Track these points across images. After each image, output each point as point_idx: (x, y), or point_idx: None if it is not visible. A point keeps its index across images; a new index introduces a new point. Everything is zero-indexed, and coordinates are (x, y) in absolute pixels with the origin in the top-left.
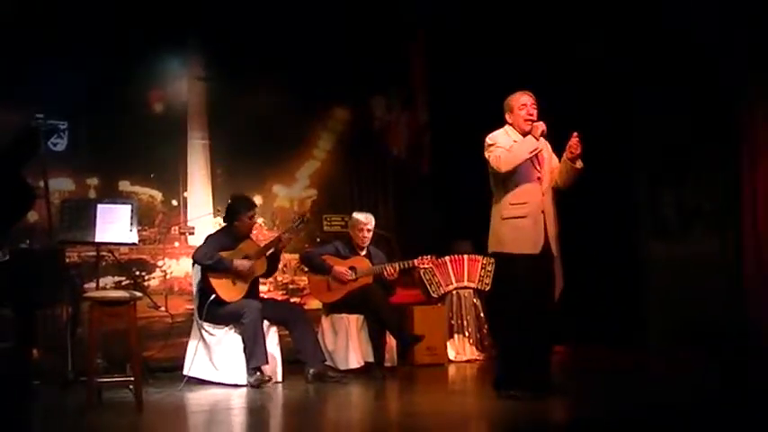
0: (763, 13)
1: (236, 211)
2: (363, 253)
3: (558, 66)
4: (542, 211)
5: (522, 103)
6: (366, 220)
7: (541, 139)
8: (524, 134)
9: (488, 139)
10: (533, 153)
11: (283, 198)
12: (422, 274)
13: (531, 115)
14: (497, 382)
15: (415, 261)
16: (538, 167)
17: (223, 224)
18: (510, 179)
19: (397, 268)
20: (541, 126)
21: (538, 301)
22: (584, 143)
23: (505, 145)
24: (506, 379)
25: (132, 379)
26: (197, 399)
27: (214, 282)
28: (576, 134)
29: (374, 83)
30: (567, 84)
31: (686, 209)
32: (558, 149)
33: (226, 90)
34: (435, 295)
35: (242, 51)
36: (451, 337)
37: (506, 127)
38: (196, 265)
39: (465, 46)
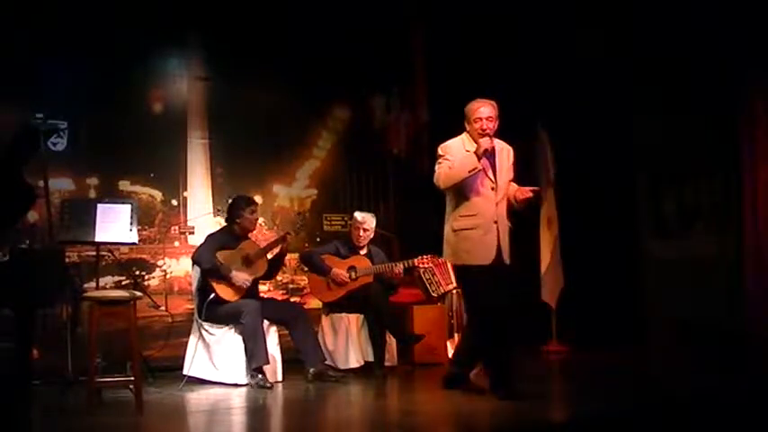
0: (763, 13)
1: (237, 208)
2: (363, 252)
3: (558, 66)
4: (495, 222)
5: (479, 116)
6: (362, 219)
7: (504, 147)
8: None
9: (440, 150)
10: (473, 173)
11: (283, 198)
12: (422, 273)
13: (485, 129)
14: (448, 380)
15: (415, 260)
16: (492, 177)
17: (224, 224)
18: (461, 190)
19: (402, 267)
20: (485, 144)
21: (495, 306)
22: (584, 144)
23: (456, 156)
24: (456, 377)
25: (132, 379)
26: (197, 398)
27: (214, 281)
28: (532, 191)
29: (374, 82)
30: (567, 84)
31: (686, 209)
32: (558, 152)
33: (226, 90)
34: (435, 295)
35: (242, 51)
36: (451, 336)
37: (464, 135)
38: (195, 265)
39: (465, 45)
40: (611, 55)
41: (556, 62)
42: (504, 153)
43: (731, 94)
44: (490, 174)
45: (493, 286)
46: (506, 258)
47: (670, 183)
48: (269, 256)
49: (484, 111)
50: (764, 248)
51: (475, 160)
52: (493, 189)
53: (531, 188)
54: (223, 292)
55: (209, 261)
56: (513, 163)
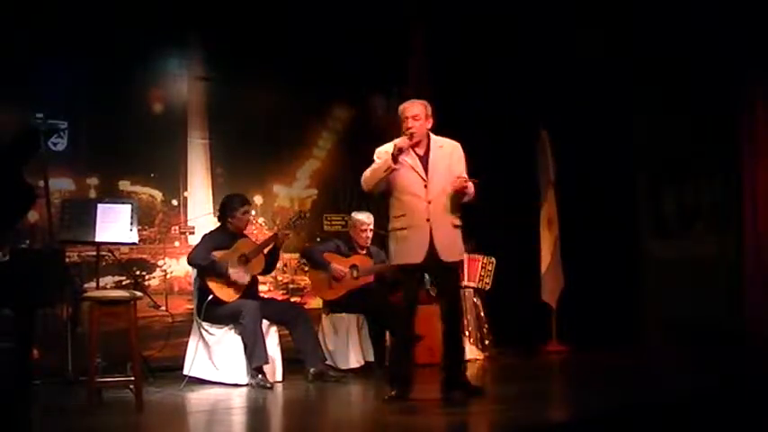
0: (763, 13)
1: (229, 208)
2: (364, 252)
3: (558, 66)
4: (428, 220)
5: (404, 114)
6: (369, 220)
7: (446, 144)
8: (412, 146)
9: (375, 154)
10: (388, 173)
11: (284, 198)
12: None
13: (409, 128)
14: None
15: None
16: (423, 176)
17: (218, 223)
18: (391, 191)
19: None
20: (399, 143)
21: (415, 308)
22: (584, 144)
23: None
24: (392, 380)
25: (132, 379)
26: (197, 398)
27: (210, 282)
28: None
29: (374, 82)
30: (567, 84)
31: (686, 208)
32: (558, 152)
33: (226, 90)
34: (435, 295)
35: (242, 51)
36: None
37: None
38: (190, 265)
39: (465, 45)
40: (611, 55)
41: (556, 62)
42: (447, 149)
43: (731, 94)
44: (421, 172)
45: (415, 286)
46: (445, 256)
47: (670, 183)
48: (264, 252)
49: (408, 110)
50: (764, 248)
51: (389, 160)
52: (425, 187)
53: (463, 177)
54: (221, 292)
55: (204, 259)
56: (465, 159)
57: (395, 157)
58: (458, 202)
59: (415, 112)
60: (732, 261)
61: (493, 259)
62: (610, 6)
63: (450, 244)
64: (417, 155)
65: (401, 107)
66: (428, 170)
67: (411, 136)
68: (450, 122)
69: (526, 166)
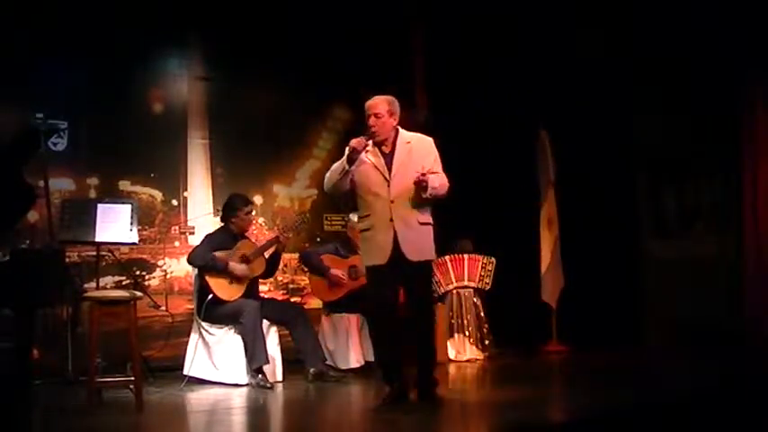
0: (763, 13)
1: (232, 208)
2: None
3: (558, 66)
4: (391, 219)
5: (368, 113)
6: None
7: (413, 140)
8: (377, 144)
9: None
10: (342, 174)
11: (284, 198)
12: None
13: (372, 126)
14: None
15: None
16: (386, 175)
17: (221, 223)
18: (357, 191)
19: None
20: (353, 143)
21: (389, 307)
22: (584, 144)
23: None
24: (385, 380)
25: (132, 379)
26: (197, 398)
27: (211, 281)
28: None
29: (374, 82)
30: (567, 84)
31: (687, 208)
32: (558, 152)
33: (226, 90)
34: (435, 294)
35: (242, 51)
36: (452, 336)
37: None
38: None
39: (465, 45)
40: (611, 55)
41: (556, 62)
42: (414, 145)
43: (731, 94)
44: (384, 170)
45: (387, 287)
46: (411, 256)
47: (670, 183)
48: (266, 255)
49: (372, 108)
50: (764, 248)
51: (344, 162)
52: (388, 186)
53: (420, 171)
54: (221, 291)
55: (203, 258)
56: (437, 155)
57: (350, 158)
58: (424, 199)
59: (378, 110)
60: (732, 261)
61: (493, 259)
62: (610, 6)
63: (417, 243)
64: (383, 153)
65: (366, 104)
66: (392, 168)
67: (372, 135)
68: (450, 122)
69: (526, 166)
